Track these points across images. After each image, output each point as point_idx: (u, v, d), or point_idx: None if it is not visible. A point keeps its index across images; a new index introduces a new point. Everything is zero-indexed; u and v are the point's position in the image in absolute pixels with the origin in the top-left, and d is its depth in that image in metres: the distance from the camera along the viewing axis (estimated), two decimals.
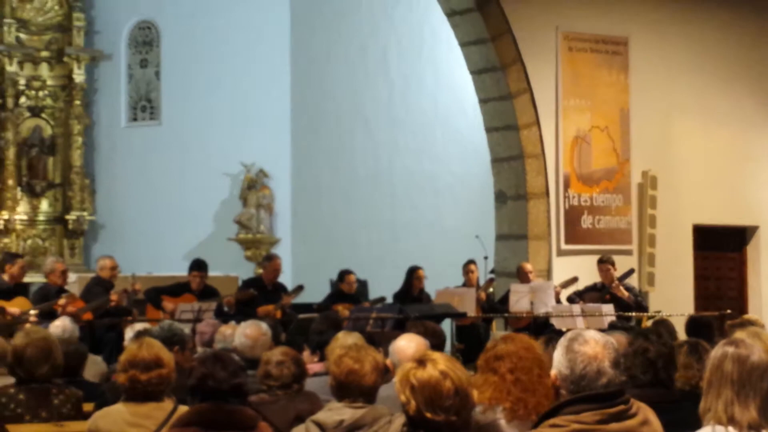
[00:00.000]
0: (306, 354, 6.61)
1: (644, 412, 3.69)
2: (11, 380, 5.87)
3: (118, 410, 4.96)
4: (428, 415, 3.26)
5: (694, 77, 13.15)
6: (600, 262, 11.72)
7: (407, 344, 5.44)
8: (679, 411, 4.71)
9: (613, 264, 11.67)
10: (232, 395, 4.49)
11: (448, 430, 3.28)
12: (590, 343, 3.62)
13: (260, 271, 13.32)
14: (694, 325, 8.14)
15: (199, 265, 11.46)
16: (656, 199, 12.91)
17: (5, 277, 10.49)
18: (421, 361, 3.37)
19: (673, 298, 12.56)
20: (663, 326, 7.94)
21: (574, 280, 11.80)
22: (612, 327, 9.90)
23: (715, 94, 13.27)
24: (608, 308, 10.84)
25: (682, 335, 7.85)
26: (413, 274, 12.36)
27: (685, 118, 13.09)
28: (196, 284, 11.31)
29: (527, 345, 4.34)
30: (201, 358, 4.67)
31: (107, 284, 11.14)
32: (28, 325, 8.39)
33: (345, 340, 6.22)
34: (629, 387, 5.27)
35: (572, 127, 12.45)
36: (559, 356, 3.65)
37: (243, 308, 11.07)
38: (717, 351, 3.64)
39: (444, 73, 15.36)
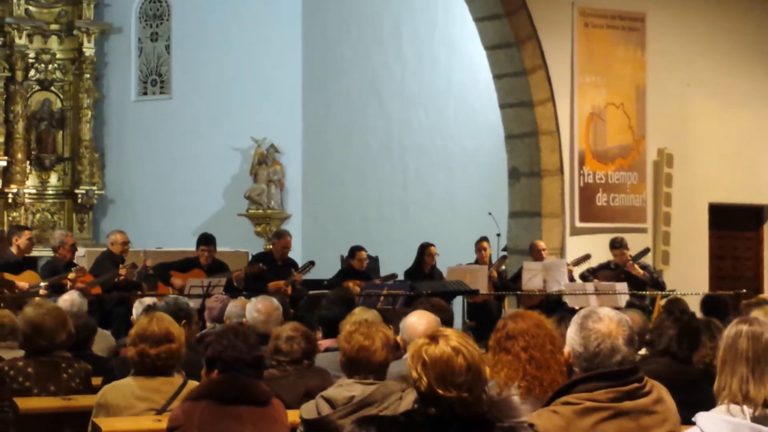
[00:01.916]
0: (319, 335, 6.56)
1: (658, 390, 3.68)
2: (20, 353, 5.85)
3: (128, 384, 4.97)
4: (440, 391, 3.21)
5: (712, 55, 13.06)
6: (613, 247, 11.65)
7: (418, 321, 5.43)
8: (695, 390, 4.67)
9: (626, 247, 11.60)
10: (253, 367, 4.48)
11: (460, 406, 3.23)
12: (604, 321, 3.61)
13: (270, 246, 13.26)
14: (709, 303, 8.11)
15: (206, 240, 11.41)
16: (672, 177, 12.85)
17: (13, 249, 10.46)
18: (433, 337, 3.31)
19: (688, 277, 12.51)
20: (676, 305, 7.88)
21: (587, 257, 11.75)
22: (629, 306, 9.85)
23: (732, 72, 13.18)
24: (622, 286, 10.79)
25: (696, 314, 7.78)
26: (425, 251, 12.31)
27: (702, 95, 13.01)
28: (205, 259, 11.26)
29: (537, 321, 4.32)
30: (218, 332, 4.64)
31: (118, 259, 11.11)
32: (36, 298, 8.37)
33: (361, 316, 6.17)
34: (650, 357, 5.29)
35: (587, 103, 12.38)
36: (572, 333, 3.64)
37: (252, 283, 11.02)
38: (731, 329, 3.61)
39: (458, 48, 15.25)
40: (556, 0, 12.22)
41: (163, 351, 4.93)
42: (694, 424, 3.52)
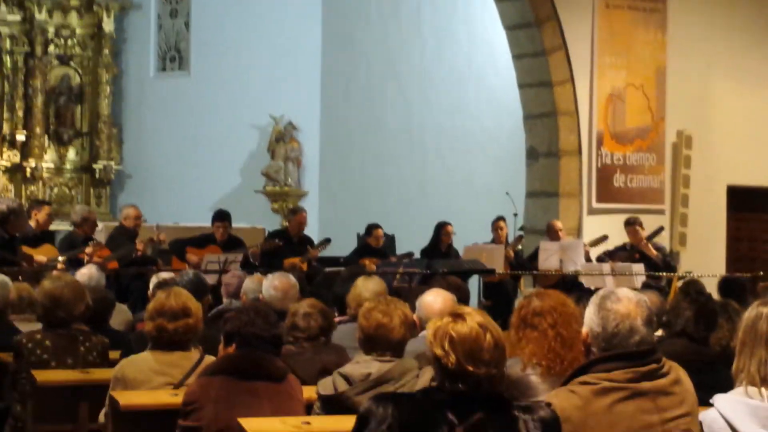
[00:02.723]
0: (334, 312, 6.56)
1: (676, 371, 3.67)
2: (37, 326, 5.88)
3: (145, 358, 4.98)
4: (470, 368, 3.22)
5: (733, 36, 12.96)
6: (627, 224, 11.63)
7: (434, 299, 5.44)
8: (712, 372, 4.67)
9: (640, 225, 11.58)
10: (271, 344, 4.51)
11: (488, 383, 3.24)
12: (623, 301, 3.60)
13: (286, 223, 13.27)
14: (727, 285, 8.09)
15: (221, 216, 11.42)
16: (690, 158, 12.78)
17: (32, 223, 10.48)
18: (457, 315, 3.31)
19: (705, 259, 12.46)
20: (693, 286, 7.88)
21: (604, 238, 11.72)
22: (645, 286, 9.83)
23: (754, 54, 13.08)
24: (638, 267, 10.76)
25: (714, 296, 7.75)
26: (441, 230, 12.30)
27: (722, 77, 12.93)
28: (220, 235, 11.28)
29: (563, 300, 4.33)
30: (239, 308, 4.67)
31: (131, 233, 11.12)
32: (54, 272, 8.41)
33: (365, 285, 6.18)
34: (666, 338, 5.28)
35: (607, 84, 12.32)
36: (590, 314, 3.64)
37: (268, 260, 11.03)
38: (751, 311, 3.61)
39: (477, 28, 15.17)
40: None
41: (181, 326, 4.94)
42: (711, 405, 3.51)
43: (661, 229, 11.88)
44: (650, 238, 11.60)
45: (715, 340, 5.49)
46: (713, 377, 4.30)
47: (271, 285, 6.59)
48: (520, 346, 4.20)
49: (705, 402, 3.63)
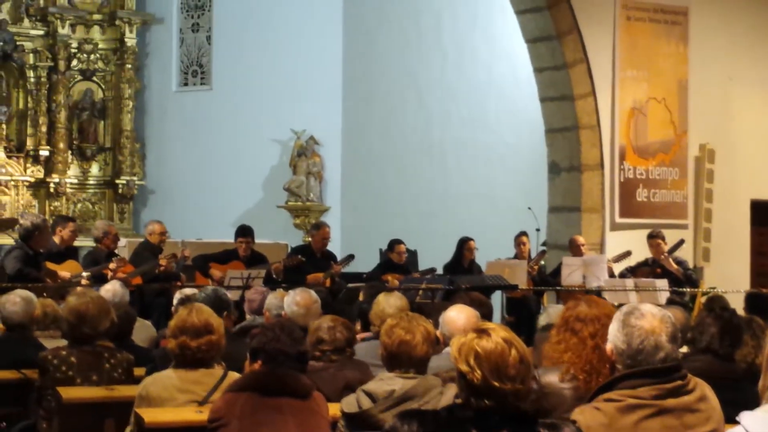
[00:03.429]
0: (357, 327, 6.56)
1: (702, 388, 3.65)
2: (62, 342, 5.90)
3: (168, 376, 4.96)
4: (496, 384, 3.21)
5: (755, 49, 12.94)
6: (650, 237, 11.60)
7: (458, 315, 5.43)
8: (738, 389, 4.64)
9: (663, 238, 11.54)
10: (297, 361, 4.52)
11: (514, 398, 3.23)
12: (647, 317, 3.58)
13: (309, 239, 13.28)
14: (752, 301, 8.02)
15: (244, 232, 11.41)
16: (713, 173, 12.74)
17: (56, 239, 10.52)
18: (482, 330, 3.30)
19: (729, 274, 12.41)
20: (717, 302, 7.83)
21: (627, 254, 11.68)
22: (670, 302, 9.78)
23: None
24: (662, 283, 10.71)
25: (739, 312, 7.71)
26: (464, 245, 12.28)
27: (745, 90, 12.89)
28: (243, 250, 11.27)
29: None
30: (265, 324, 4.66)
31: (156, 249, 11.15)
32: (79, 288, 8.43)
33: (388, 301, 6.17)
34: (691, 354, 5.24)
35: (629, 98, 12.29)
36: (615, 330, 3.62)
37: (291, 275, 11.03)
38: None
39: (498, 41, 15.19)
40: None
41: (204, 342, 4.91)
42: (737, 423, 3.48)
43: (681, 242, 11.83)
44: (671, 251, 11.56)
45: (741, 356, 5.45)
46: (739, 394, 4.26)
47: (293, 301, 6.58)
48: (558, 349, 4.16)
49: (731, 419, 3.60)
